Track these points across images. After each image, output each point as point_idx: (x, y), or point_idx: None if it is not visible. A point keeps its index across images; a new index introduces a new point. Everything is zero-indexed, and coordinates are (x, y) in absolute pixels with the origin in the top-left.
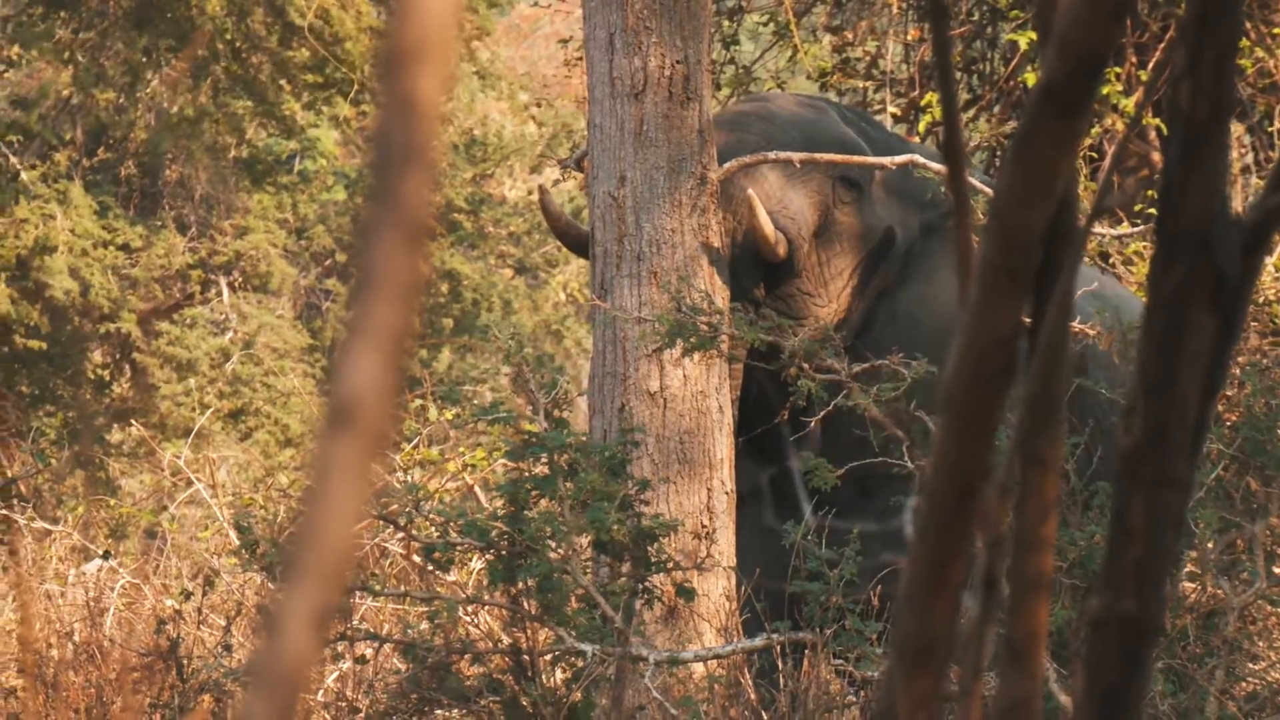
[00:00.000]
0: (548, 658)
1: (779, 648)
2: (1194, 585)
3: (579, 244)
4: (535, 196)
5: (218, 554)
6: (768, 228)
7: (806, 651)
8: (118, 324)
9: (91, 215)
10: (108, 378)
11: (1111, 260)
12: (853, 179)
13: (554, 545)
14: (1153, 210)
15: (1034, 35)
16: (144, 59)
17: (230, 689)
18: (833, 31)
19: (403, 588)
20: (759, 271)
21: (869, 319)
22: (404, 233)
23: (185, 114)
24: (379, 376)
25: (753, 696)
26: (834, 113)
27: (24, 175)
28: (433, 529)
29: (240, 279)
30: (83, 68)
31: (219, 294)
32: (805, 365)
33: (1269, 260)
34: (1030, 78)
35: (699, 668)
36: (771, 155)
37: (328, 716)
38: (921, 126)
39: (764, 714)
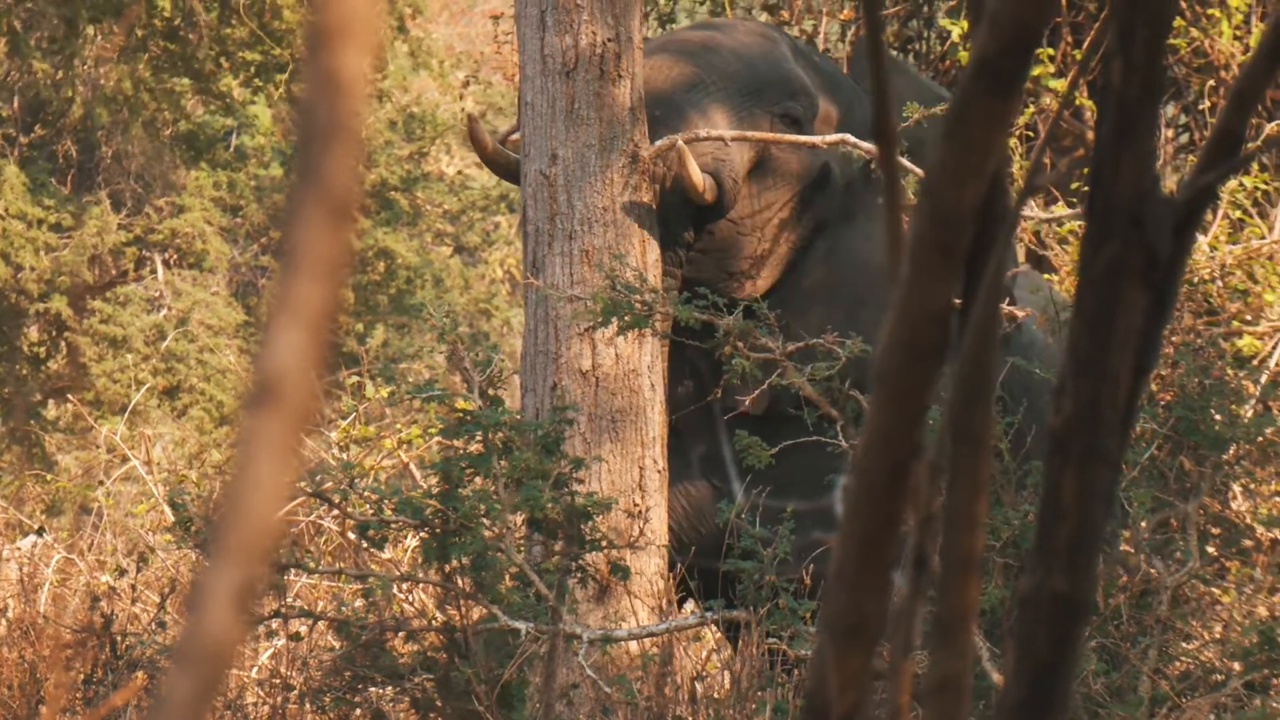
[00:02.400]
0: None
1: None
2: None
3: (510, 172)
4: (471, 170)
5: (152, 530)
6: (696, 176)
7: (741, 630)
8: (48, 304)
9: (25, 193)
10: (43, 354)
11: (1045, 241)
12: (794, 116)
13: (488, 523)
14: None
15: (965, 25)
16: (71, 30)
17: (164, 666)
18: (769, 10)
19: (337, 565)
20: (688, 215)
21: (804, 255)
22: (328, 209)
23: (122, 88)
24: (302, 353)
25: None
26: (785, 46)
27: None
28: (367, 506)
29: (175, 256)
30: (20, 37)
31: (153, 271)
32: (739, 344)
33: (1203, 240)
34: (964, 57)
35: (633, 646)
36: (703, 133)
37: (261, 693)
38: None
39: (697, 690)
